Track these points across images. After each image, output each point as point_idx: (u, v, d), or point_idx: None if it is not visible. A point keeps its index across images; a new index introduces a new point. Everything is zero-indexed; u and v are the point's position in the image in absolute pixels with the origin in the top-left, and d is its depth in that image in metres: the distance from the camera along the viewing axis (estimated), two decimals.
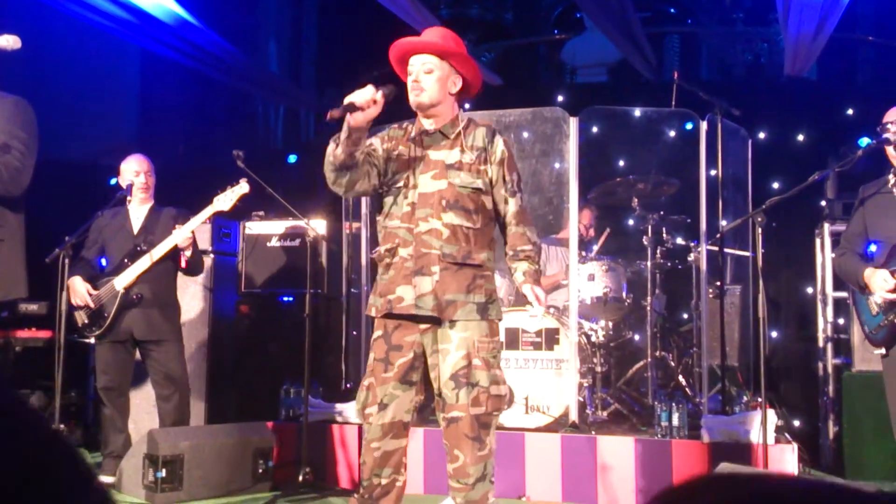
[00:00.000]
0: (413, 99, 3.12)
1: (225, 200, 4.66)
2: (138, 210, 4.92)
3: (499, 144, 3.17)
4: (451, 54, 3.12)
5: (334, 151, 2.95)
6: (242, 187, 4.66)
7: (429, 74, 3.09)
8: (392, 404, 3.07)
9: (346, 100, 2.88)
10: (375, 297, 3.17)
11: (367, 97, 2.87)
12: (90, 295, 4.70)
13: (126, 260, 4.74)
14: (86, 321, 4.75)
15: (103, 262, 4.96)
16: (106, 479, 4.69)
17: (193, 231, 4.72)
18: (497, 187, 3.17)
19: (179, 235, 4.66)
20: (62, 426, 5.29)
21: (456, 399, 3.02)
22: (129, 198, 4.80)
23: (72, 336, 4.75)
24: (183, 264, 4.83)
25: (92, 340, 4.84)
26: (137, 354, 4.91)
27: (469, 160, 3.12)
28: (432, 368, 3.10)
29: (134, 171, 4.86)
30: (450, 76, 3.13)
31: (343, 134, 2.92)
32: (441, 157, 3.12)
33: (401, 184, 3.12)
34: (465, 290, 3.06)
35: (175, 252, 4.75)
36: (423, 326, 3.09)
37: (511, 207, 3.18)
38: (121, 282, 4.70)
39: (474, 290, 3.08)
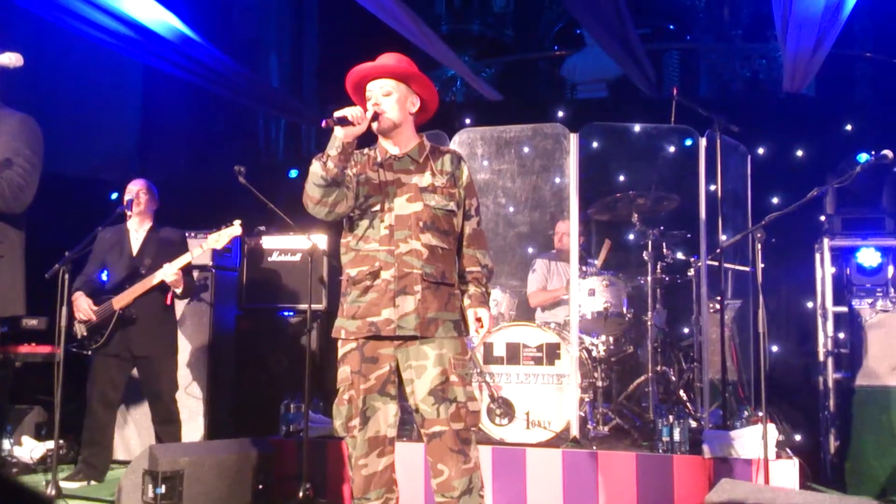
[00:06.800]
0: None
1: (217, 240, 4.86)
2: (138, 230, 5.11)
3: (465, 169, 3.29)
4: (407, 76, 3.19)
5: (324, 167, 3.00)
6: (235, 229, 4.85)
7: (388, 97, 3.16)
8: (373, 417, 3.08)
9: (338, 113, 2.96)
10: (347, 320, 3.16)
11: (357, 114, 2.99)
12: (92, 311, 4.91)
13: (125, 282, 4.95)
14: (85, 334, 4.96)
15: (104, 276, 5.07)
16: (72, 484, 4.86)
17: (181, 269, 4.91)
18: (460, 210, 3.26)
19: (167, 273, 4.85)
20: (62, 441, 5.31)
21: (437, 414, 3.05)
22: (128, 213, 4.97)
23: (70, 346, 4.89)
24: (168, 301, 5.05)
25: (89, 353, 4.99)
26: (135, 371, 5.03)
27: (441, 183, 3.19)
28: (407, 384, 3.12)
29: (128, 192, 5.09)
30: (408, 97, 3.20)
31: (335, 149, 2.99)
32: (414, 181, 3.18)
33: (376, 208, 3.15)
34: (444, 308, 3.12)
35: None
36: (398, 341, 3.11)
37: (467, 230, 3.29)
38: (118, 301, 4.90)
39: (451, 308, 3.15)
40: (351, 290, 3.16)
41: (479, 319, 3.20)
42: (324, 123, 2.96)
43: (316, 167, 3.01)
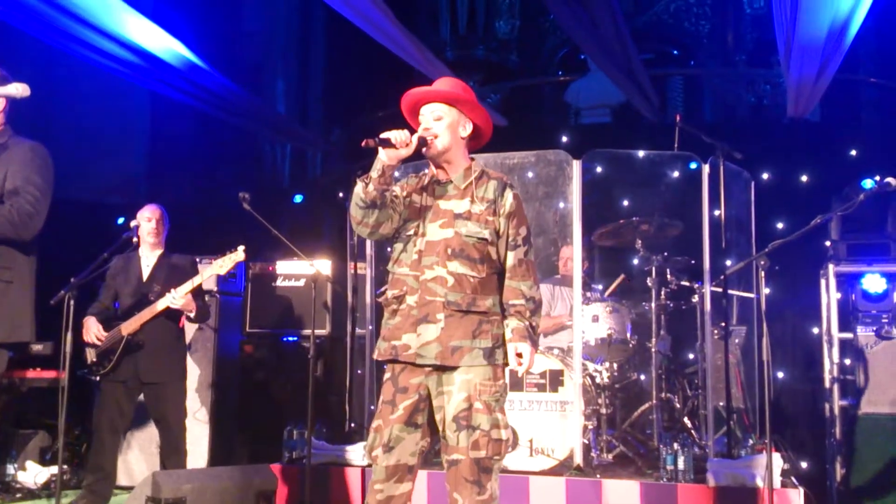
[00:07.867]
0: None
1: (221, 266, 4.87)
2: (149, 256, 5.10)
3: (508, 198, 3.18)
4: (459, 101, 3.18)
5: (365, 189, 3.02)
6: (239, 255, 4.86)
7: (438, 121, 3.15)
8: (397, 447, 3.06)
9: (383, 135, 2.98)
10: (381, 341, 3.21)
11: (402, 138, 2.99)
12: (100, 336, 4.87)
13: (135, 308, 4.92)
14: (94, 360, 4.92)
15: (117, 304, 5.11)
16: None
17: (190, 291, 4.87)
18: (501, 239, 3.19)
19: (174, 300, 4.82)
20: (66, 466, 5.32)
21: (457, 441, 3.02)
22: (134, 238, 4.99)
23: (82, 372, 4.92)
24: (180, 324, 5.03)
25: (97, 378, 4.95)
26: (142, 397, 5.01)
27: (478, 211, 3.14)
28: (437, 411, 3.10)
29: (146, 218, 5.05)
30: (460, 121, 3.18)
31: (375, 172, 3.01)
32: (450, 207, 3.16)
33: (411, 231, 3.16)
34: (472, 336, 3.07)
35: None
36: (427, 369, 3.10)
37: (509, 261, 3.19)
38: (126, 327, 4.87)
39: (480, 335, 3.09)
40: (385, 311, 3.22)
41: (519, 355, 3.11)
42: (364, 143, 2.96)
43: (358, 188, 3.04)
